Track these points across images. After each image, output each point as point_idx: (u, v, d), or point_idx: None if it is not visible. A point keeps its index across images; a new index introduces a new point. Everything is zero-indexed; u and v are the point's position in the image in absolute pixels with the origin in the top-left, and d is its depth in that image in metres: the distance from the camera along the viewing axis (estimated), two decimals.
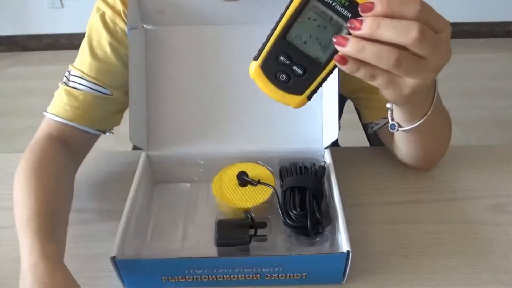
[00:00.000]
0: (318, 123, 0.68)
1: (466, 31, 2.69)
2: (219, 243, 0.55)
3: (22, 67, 2.64)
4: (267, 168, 0.65)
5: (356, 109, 1.05)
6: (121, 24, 0.68)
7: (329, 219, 0.58)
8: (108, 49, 0.68)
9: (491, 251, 0.59)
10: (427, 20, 0.39)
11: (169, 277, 0.54)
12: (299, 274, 0.54)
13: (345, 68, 0.41)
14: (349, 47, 0.40)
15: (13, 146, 1.96)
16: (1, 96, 2.38)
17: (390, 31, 0.38)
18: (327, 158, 0.65)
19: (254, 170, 0.64)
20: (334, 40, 0.40)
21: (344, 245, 0.53)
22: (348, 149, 0.78)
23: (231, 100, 0.68)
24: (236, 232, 0.56)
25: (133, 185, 0.61)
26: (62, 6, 2.64)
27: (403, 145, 0.66)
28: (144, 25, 0.67)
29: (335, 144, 0.70)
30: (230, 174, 0.64)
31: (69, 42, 2.63)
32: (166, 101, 0.68)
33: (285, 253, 0.56)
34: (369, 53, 0.39)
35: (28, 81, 2.47)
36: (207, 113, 0.68)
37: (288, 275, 0.54)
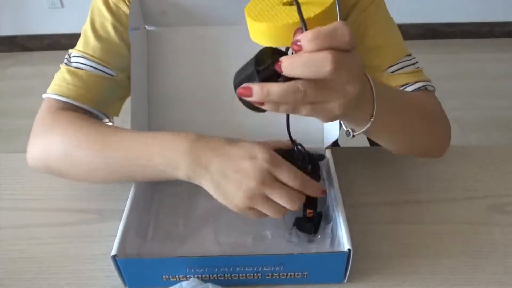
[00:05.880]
0: (318, 123, 0.68)
1: (466, 31, 2.69)
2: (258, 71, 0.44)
3: (22, 67, 2.64)
4: None
5: None
6: (124, 8, 0.67)
7: (329, 216, 0.59)
8: (112, 31, 0.67)
9: (491, 251, 0.59)
10: (336, 44, 0.40)
11: (170, 276, 0.54)
12: (300, 273, 0.54)
13: (265, 107, 0.43)
14: (254, 97, 0.42)
15: (13, 146, 1.96)
16: (1, 96, 2.38)
17: (302, 69, 0.40)
18: (327, 158, 0.65)
19: None
20: (238, 92, 0.43)
21: (345, 243, 0.53)
22: (348, 149, 0.78)
23: (232, 101, 0.68)
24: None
25: (134, 185, 0.61)
26: (62, 6, 2.64)
27: (381, 143, 0.63)
28: (146, 26, 0.67)
29: (335, 144, 0.70)
30: None
31: (69, 42, 2.60)
32: (168, 101, 0.68)
33: (286, 252, 0.56)
34: (275, 95, 0.41)
35: (28, 81, 2.47)
36: (208, 114, 0.68)
37: (289, 274, 0.54)
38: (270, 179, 0.51)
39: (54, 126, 0.63)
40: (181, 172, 0.54)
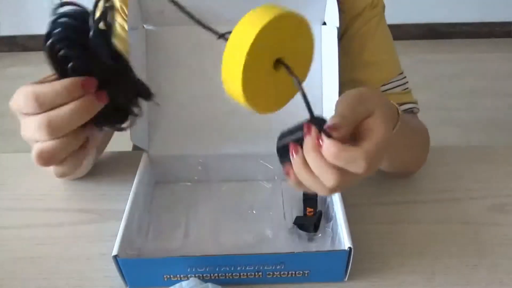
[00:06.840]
0: None
1: (466, 31, 2.69)
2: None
3: (22, 67, 2.64)
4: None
5: None
6: (118, 19, 0.71)
7: (329, 215, 0.59)
8: None
9: (491, 251, 0.59)
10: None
11: (171, 276, 0.54)
12: (301, 272, 0.54)
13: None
14: (291, 179, 0.45)
15: (13, 146, 1.96)
16: (1, 96, 2.37)
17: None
18: None
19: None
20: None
21: (345, 241, 0.53)
22: None
23: (232, 100, 0.68)
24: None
25: (134, 185, 0.61)
26: None
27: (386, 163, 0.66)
28: (145, 26, 0.67)
29: None
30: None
31: None
32: (167, 101, 0.68)
33: (287, 251, 0.56)
34: (306, 182, 0.44)
35: (28, 81, 2.47)
36: (208, 113, 0.68)
37: (290, 272, 0.54)
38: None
39: None
40: None
